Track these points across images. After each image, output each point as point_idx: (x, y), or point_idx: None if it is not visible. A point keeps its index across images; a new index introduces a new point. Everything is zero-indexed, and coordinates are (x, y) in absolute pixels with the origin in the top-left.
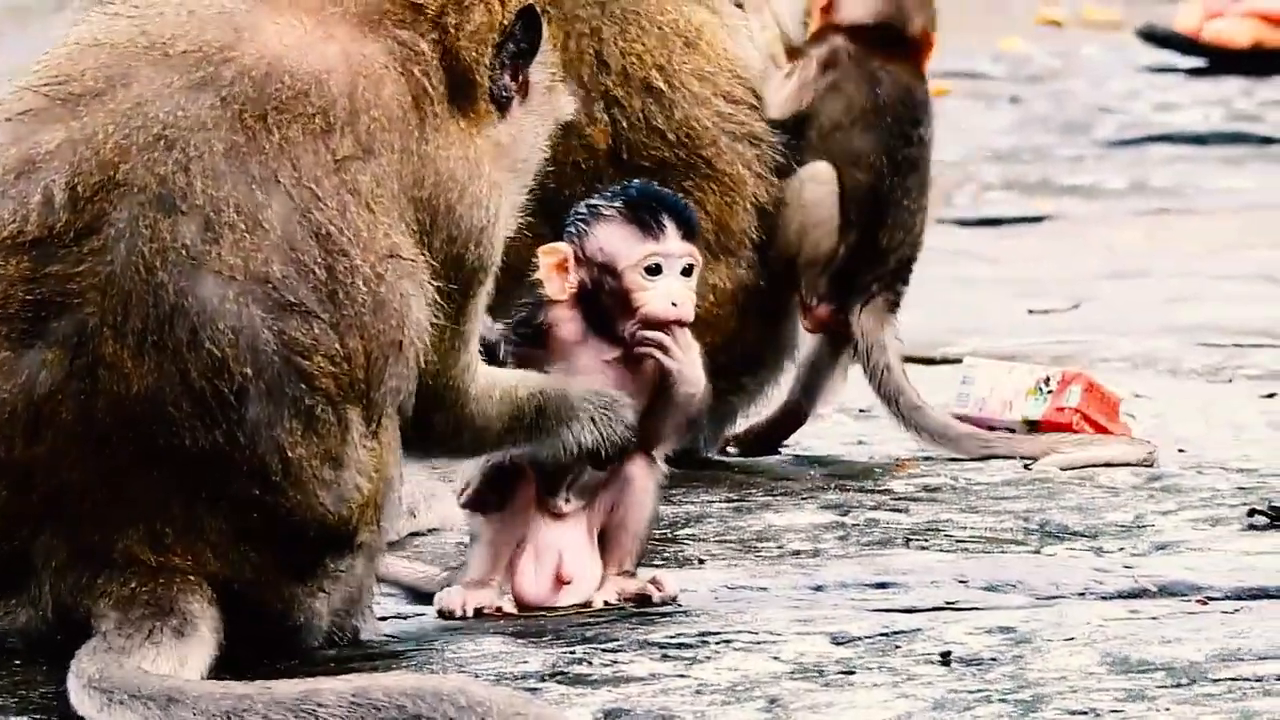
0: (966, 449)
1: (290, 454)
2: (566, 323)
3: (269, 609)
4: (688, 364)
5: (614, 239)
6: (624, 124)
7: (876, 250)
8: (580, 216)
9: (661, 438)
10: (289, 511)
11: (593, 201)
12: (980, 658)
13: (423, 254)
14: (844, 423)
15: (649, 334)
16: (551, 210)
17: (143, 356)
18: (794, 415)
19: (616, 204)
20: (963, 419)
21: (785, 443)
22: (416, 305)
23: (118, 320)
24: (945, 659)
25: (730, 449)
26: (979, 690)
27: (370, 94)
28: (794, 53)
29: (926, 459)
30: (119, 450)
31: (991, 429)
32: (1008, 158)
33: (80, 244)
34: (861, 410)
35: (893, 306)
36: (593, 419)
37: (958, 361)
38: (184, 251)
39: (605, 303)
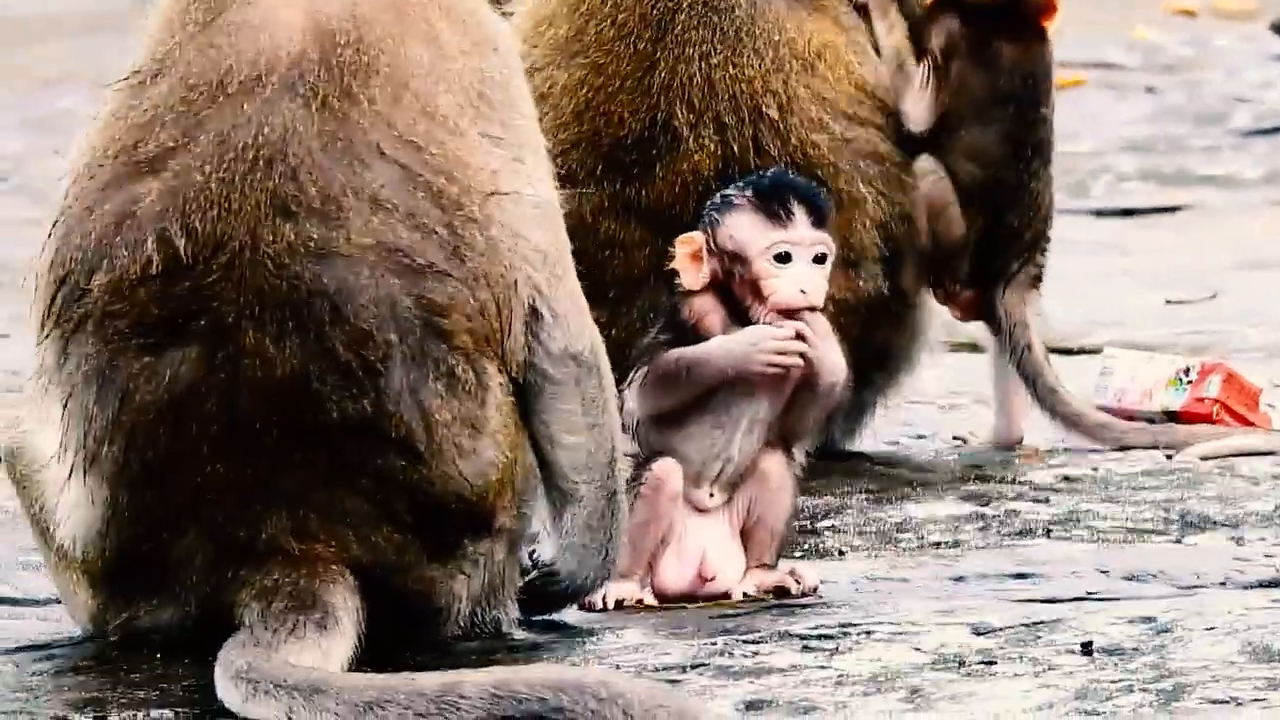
0: (1099, 437)
1: (435, 418)
2: (709, 314)
3: (409, 592)
4: (827, 351)
5: (743, 227)
6: (734, 148)
7: (1008, 231)
8: (713, 206)
9: (803, 432)
10: (430, 484)
11: (726, 191)
12: (1121, 648)
13: (513, 154)
14: (981, 413)
15: (786, 323)
16: (660, 223)
17: (284, 340)
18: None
19: (747, 192)
20: (1103, 410)
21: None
22: (523, 235)
23: (255, 312)
24: (1086, 649)
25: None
26: (1120, 680)
27: None
28: (921, 50)
29: (1065, 449)
30: (263, 437)
31: (1131, 419)
32: (1143, 148)
33: (208, 263)
34: None
35: (1036, 282)
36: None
37: (1097, 352)
38: (311, 244)
39: (737, 292)
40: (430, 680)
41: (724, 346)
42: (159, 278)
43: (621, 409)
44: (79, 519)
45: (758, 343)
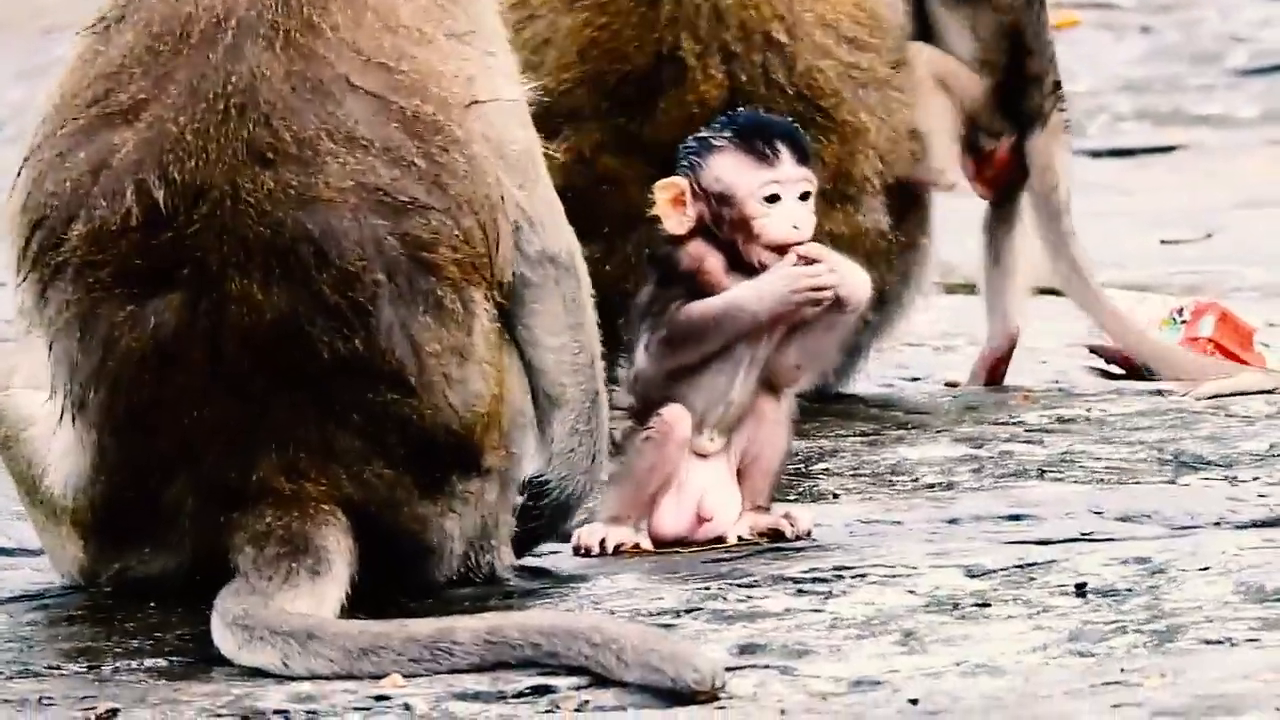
0: (1085, 304)
1: (425, 350)
2: (708, 258)
3: (401, 530)
4: (849, 275)
5: (729, 169)
6: (742, 77)
7: (1032, 77)
8: (691, 149)
9: (824, 360)
10: (421, 416)
11: (702, 134)
12: (1115, 588)
13: (484, 48)
14: (973, 358)
15: (813, 262)
16: (663, 157)
17: (270, 286)
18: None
19: (727, 134)
20: (1097, 350)
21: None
22: (502, 142)
23: (240, 259)
24: (1080, 590)
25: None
26: (1114, 621)
27: None
28: None
29: (1060, 390)
30: (251, 381)
31: (1126, 360)
32: (1139, 88)
33: (189, 213)
34: None
35: (1066, 125)
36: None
37: None
38: (291, 191)
39: (726, 233)
40: (424, 626)
41: (756, 291)
42: (140, 228)
43: (632, 370)
44: (69, 465)
45: (792, 282)
